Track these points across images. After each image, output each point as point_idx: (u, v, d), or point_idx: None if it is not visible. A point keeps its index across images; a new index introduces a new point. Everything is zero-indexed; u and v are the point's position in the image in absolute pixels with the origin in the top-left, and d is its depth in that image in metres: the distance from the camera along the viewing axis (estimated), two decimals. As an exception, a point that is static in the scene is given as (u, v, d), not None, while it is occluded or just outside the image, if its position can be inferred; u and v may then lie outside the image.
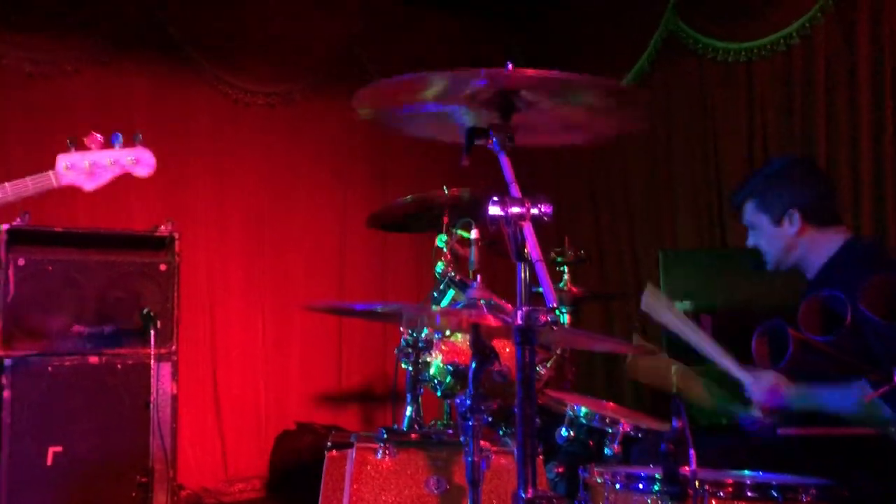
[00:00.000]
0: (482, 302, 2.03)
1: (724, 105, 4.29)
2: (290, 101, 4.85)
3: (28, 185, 2.20)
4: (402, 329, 2.19)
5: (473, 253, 2.53)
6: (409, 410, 2.21)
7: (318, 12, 4.88)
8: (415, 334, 2.19)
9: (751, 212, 2.31)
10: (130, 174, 2.34)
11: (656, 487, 1.60)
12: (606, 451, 2.27)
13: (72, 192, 4.03)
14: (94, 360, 3.30)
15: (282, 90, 4.81)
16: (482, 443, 1.58)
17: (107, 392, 3.31)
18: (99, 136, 2.28)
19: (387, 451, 1.95)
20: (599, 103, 1.68)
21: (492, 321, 1.57)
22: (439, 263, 2.53)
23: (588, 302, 4.28)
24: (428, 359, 2.22)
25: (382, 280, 5.11)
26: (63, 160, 2.23)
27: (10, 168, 3.82)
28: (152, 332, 3.35)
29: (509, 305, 2.20)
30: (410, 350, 2.21)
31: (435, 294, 2.44)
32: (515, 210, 1.37)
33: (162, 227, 3.55)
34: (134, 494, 3.24)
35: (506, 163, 1.50)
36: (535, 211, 1.38)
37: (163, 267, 3.50)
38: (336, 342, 4.92)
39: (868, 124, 3.63)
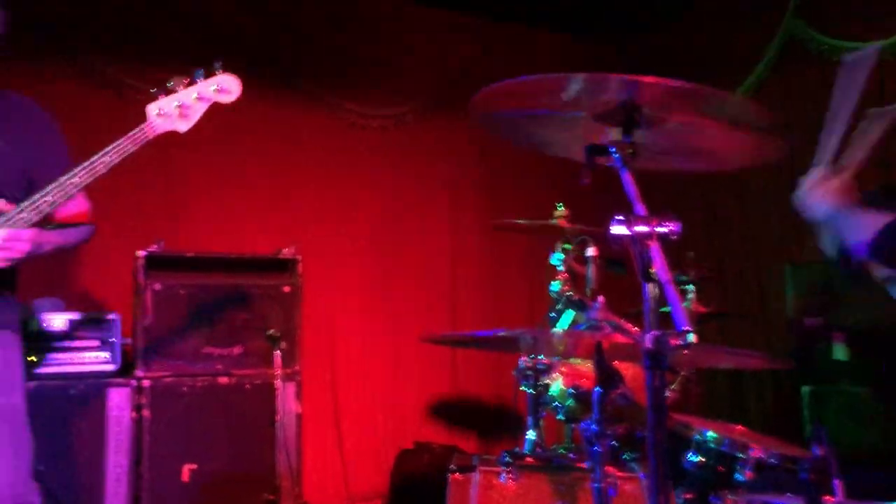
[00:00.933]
0: (605, 324, 1.98)
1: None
2: (404, 122, 4.95)
3: (126, 144, 2.20)
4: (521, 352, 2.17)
5: (591, 271, 2.48)
6: (530, 434, 2.18)
7: (431, 35, 4.97)
8: (534, 356, 2.16)
9: None
10: (217, 103, 2.34)
11: (798, 519, 1.51)
12: (737, 476, 2.17)
13: (202, 217, 4.33)
14: (223, 380, 3.43)
15: (395, 113, 4.91)
16: (608, 468, 1.54)
17: (236, 411, 3.42)
18: (183, 77, 2.29)
19: (510, 475, 1.93)
20: (734, 122, 1.59)
21: (620, 341, 1.53)
22: (555, 282, 2.50)
23: (708, 321, 4.13)
24: (548, 381, 2.18)
25: (495, 298, 5.11)
26: (153, 108, 2.24)
27: (144, 188, 4.07)
28: (277, 352, 3.46)
29: (632, 327, 2.14)
30: (530, 372, 2.19)
31: (552, 315, 2.40)
32: (641, 229, 1.33)
33: (285, 250, 3.67)
34: (262, 511, 3.34)
35: (628, 180, 1.46)
36: (661, 229, 1.33)
37: (286, 289, 3.62)
38: (451, 361, 4.95)
39: None
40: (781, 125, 1.58)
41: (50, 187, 2.15)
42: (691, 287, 3.13)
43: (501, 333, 1.76)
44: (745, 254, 4.62)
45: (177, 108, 2.25)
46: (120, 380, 3.27)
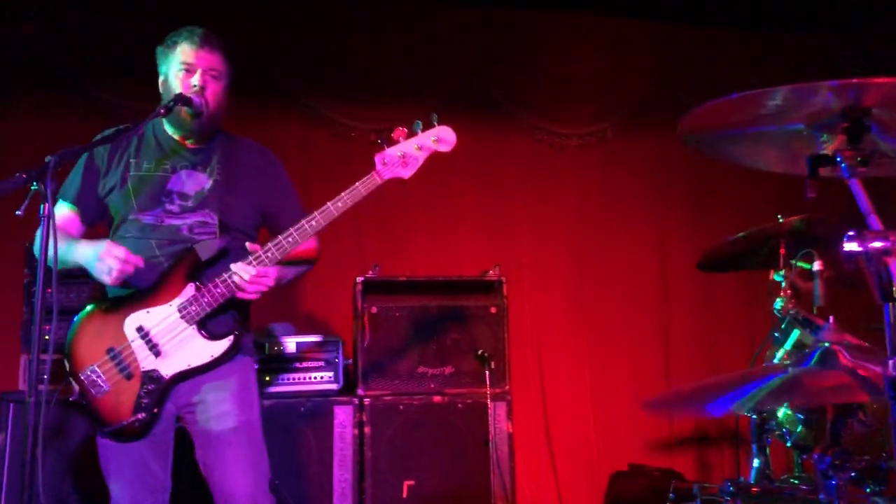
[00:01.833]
0: (838, 346, 1.82)
1: None
2: (604, 139, 4.88)
3: (359, 188, 2.45)
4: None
5: (818, 287, 2.30)
6: (756, 462, 2.05)
7: (625, 49, 4.88)
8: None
9: None
10: (437, 152, 2.51)
11: None
12: None
13: (411, 243, 4.54)
14: (437, 399, 3.54)
15: (594, 130, 4.86)
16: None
17: (450, 430, 3.52)
18: (403, 128, 2.48)
19: (735, 506, 1.82)
20: None
21: (864, 374, 1.40)
22: (778, 300, 2.34)
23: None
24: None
25: (709, 313, 4.88)
26: (379, 158, 2.47)
27: (359, 218, 4.33)
28: (487, 372, 3.52)
29: (865, 344, 1.96)
30: (753, 396, 2.05)
31: (776, 335, 2.25)
32: (877, 245, 1.21)
33: (491, 271, 3.75)
34: (476, 530, 3.40)
35: (859, 191, 1.34)
36: (902, 244, 1.21)
37: (493, 310, 3.68)
38: (664, 375, 4.78)
39: None
40: None
41: (291, 229, 2.40)
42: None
43: (735, 407, 1.59)
44: None
45: (400, 158, 2.46)
46: (344, 398, 3.47)
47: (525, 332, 4.60)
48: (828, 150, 1.40)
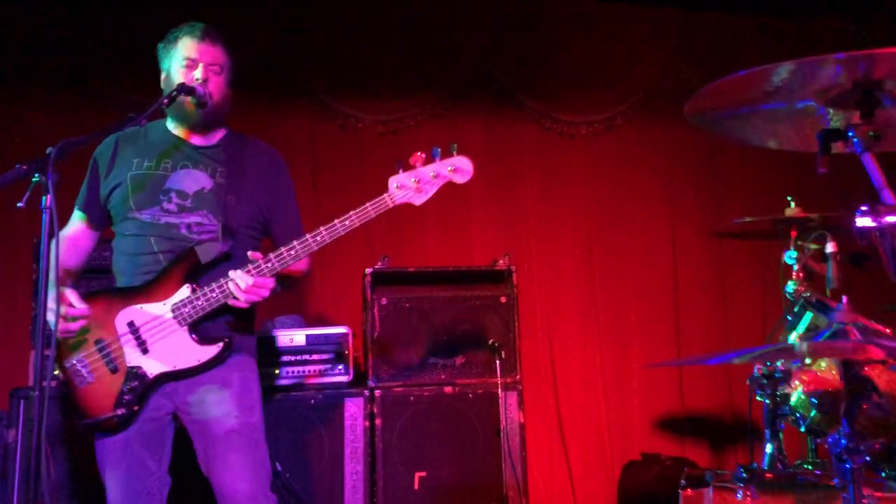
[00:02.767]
0: (852, 327, 1.78)
1: None
2: (612, 126, 4.84)
3: (369, 210, 2.39)
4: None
5: (831, 269, 2.26)
6: (769, 448, 2.02)
7: (632, 36, 4.83)
8: (770, 363, 2.00)
9: None
10: (452, 182, 2.46)
11: None
12: None
13: (420, 234, 4.52)
14: (448, 389, 3.52)
15: (603, 117, 4.81)
16: (864, 488, 1.38)
17: (461, 420, 3.50)
18: (421, 153, 2.43)
19: (748, 493, 1.79)
20: None
21: (874, 354, 1.37)
22: (790, 283, 2.30)
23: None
24: (787, 390, 2.01)
25: (721, 299, 4.83)
26: (393, 181, 2.41)
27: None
28: (498, 362, 3.50)
29: (884, 328, 1.92)
30: (765, 381, 2.02)
31: (789, 318, 2.21)
32: (891, 219, 1.18)
33: (500, 261, 3.72)
34: (490, 520, 3.38)
35: (872, 165, 1.30)
36: (916, 219, 1.18)
37: (503, 299, 3.65)
38: (677, 369, 4.74)
39: None
40: None
41: (295, 242, 2.36)
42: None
43: (735, 359, 1.62)
44: None
45: (414, 183, 2.40)
46: (354, 390, 3.46)
47: (536, 322, 4.58)
48: (840, 125, 1.36)
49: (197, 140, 2.55)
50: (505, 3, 4.71)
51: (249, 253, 2.36)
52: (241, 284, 2.30)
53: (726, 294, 4.84)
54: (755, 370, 2.04)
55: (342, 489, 3.35)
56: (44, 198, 1.95)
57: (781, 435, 2.02)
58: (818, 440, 2.17)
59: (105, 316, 2.38)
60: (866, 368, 1.85)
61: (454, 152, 2.46)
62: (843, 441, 1.39)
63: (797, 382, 1.98)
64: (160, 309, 2.36)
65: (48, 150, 1.97)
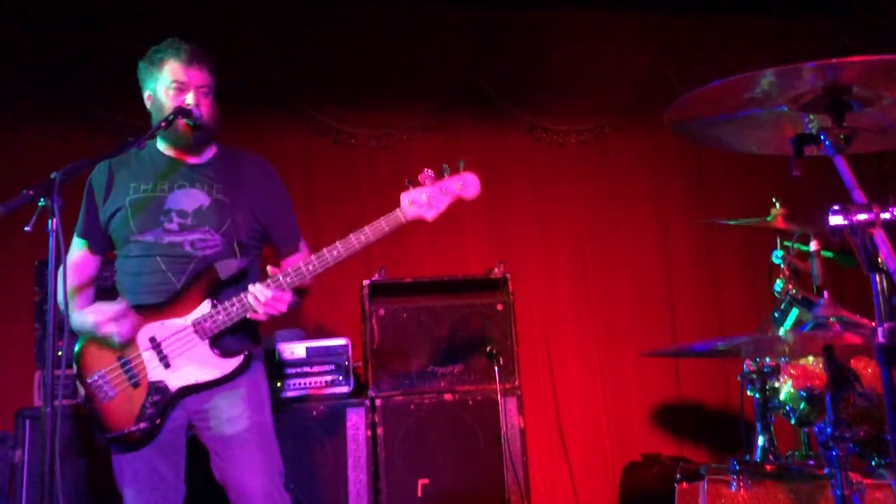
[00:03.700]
0: (833, 320, 1.85)
1: None
2: (602, 134, 4.92)
3: (383, 225, 2.49)
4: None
5: (816, 266, 2.32)
6: (760, 440, 2.08)
7: (617, 42, 4.91)
8: (759, 359, 2.06)
9: None
10: (461, 198, 2.55)
11: None
12: None
13: (416, 244, 4.58)
14: (448, 397, 3.57)
15: (592, 125, 4.89)
16: (852, 475, 1.44)
17: (462, 427, 3.54)
18: (430, 171, 2.52)
19: (741, 484, 1.85)
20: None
21: (851, 340, 1.44)
22: (778, 281, 2.37)
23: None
24: (776, 384, 2.07)
25: (714, 298, 4.90)
26: (405, 198, 2.50)
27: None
28: (496, 368, 3.55)
29: (865, 321, 1.99)
30: (755, 376, 2.09)
31: (776, 315, 2.28)
32: (862, 217, 1.25)
33: (495, 269, 3.78)
34: (493, 526, 3.42)
35: (843, 166, 1.37)
36: (885, 216, 1.25)
37: (499, 307, 3.71)
38: (674, 367, 4.80)
39: None
40: None
41: (312, 257, 2.44)
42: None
43: (721, 346, 1.69)
44: None
45: (426, 199, 2.49)
46: (355, 400, 3.51)
47: (533, 328, 4.63)
48: (812, 129, 1.43)
49: (191, 159, 2.60)
50: (491, 13, 4.78)
51: (269, 268, 2.43)
52: (261, 298, 2.37)
53: (719, 292, 4.91)
54: (745, 366, 2.10)
55: (346, 499, 3.39)
56: (49, 221, 2.00)
57: (772, 428, 2.08)
58: (808, 431, 2.24)
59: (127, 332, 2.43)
60: (852, 361, 1.92)
61: (462, 169, 2.55)
62: (828, 429, 1.45)
63: (786, 377, 2.04)
64: (181, 324, 2.42)
65: (53, 175, 2.02)
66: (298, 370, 3.54)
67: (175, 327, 2.42)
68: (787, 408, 2.05)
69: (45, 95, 4.20)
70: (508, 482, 3.49)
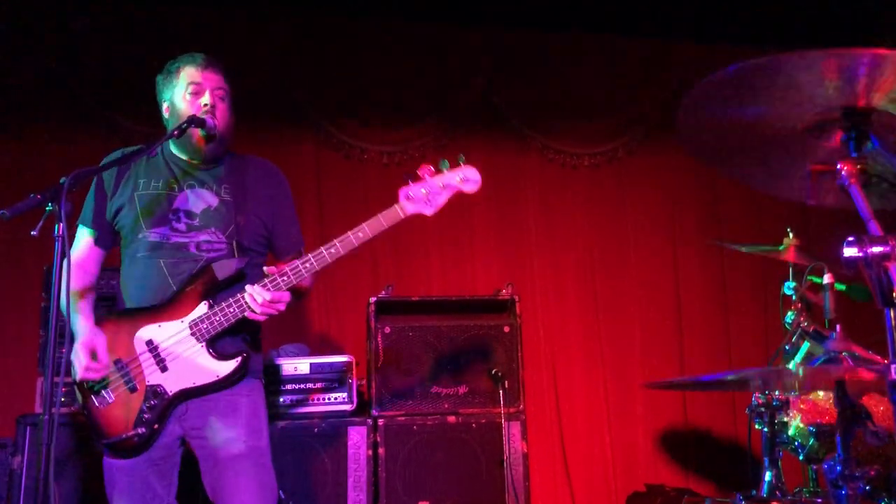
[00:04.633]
0: (845, 355, 1.81)
1: None
2: (615, 158, 4.91)
3: (381, 221, 2.45)
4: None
5: (828, 300, 2.28)
6: (767, 475, 2.03)
7: (633, 68, 4.91)
8: (768, 392, 2.02)
9: None
10: (461, 192, 2.50)
11: None
12: None
13: (424, 263, 4.56)
14: (451, 419, 3.52)
15: (606, 149, 4.88)
16: (860, 515, 1.40)
17: (464, 450, 3.49)
18: (429, 165, 2.48)
19: (746, 520, 1.80)
20: None
21: (863, 376, 1.40)
22: (789, 313, 2.33)
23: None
24: (785, 419, 2.03)
25: (724, 326, 4.85)
26: (403, 193, 2.47)
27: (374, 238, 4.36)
28: (501, 391, 3.51)
29: (878, 357, 1.94)
30: (764, 410, 2.04)
31: (787, 347, 2.23)
32: (877, 249, 1.21)
33: (503, 290, 3.75)
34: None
35: (859, 196, 1.34)
36: (902, 249, 1.21)
37: (506, 329, 3.67)
38: (680, 398, 4.74)
39: None
40: None
41: (311, 255, 2.41)
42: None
43: (730, 377, 1.65)
44: None
45: (425, 194, 2.46)
46: (357, 419, 3.47)
47: (539, 351, 4.59)
48: (826, 159, 1.41)
49: (202, 165, 2.59)
50: (507, 35, 4.79)
51: (265, 268, 2.40)
52: (258, 299, 2.35)
53: (729, 320, 4.86)
54: (753, 399, 2.06)
55: (346, 519, 3.35)
56: (56, 226, 1.98)
57: (780, 463, 2.03)
58: (817, 468, 2.19)
59: (123, 336, 2.41)
60: (864, 398, 1.87)
61: (462, 162, 2.51)
62: (838, 467, 1.41)
63: (795, 412, 2.00)
64: (178, 326, 2.40)
65: (61, 180, 2.02)
66: (301, 386, 3.51)
67: (172, 330, 2.40)
68: (796, 443, 2.00)
69: (59, 99, 4.23)
70: (510, 507, 3.43)
